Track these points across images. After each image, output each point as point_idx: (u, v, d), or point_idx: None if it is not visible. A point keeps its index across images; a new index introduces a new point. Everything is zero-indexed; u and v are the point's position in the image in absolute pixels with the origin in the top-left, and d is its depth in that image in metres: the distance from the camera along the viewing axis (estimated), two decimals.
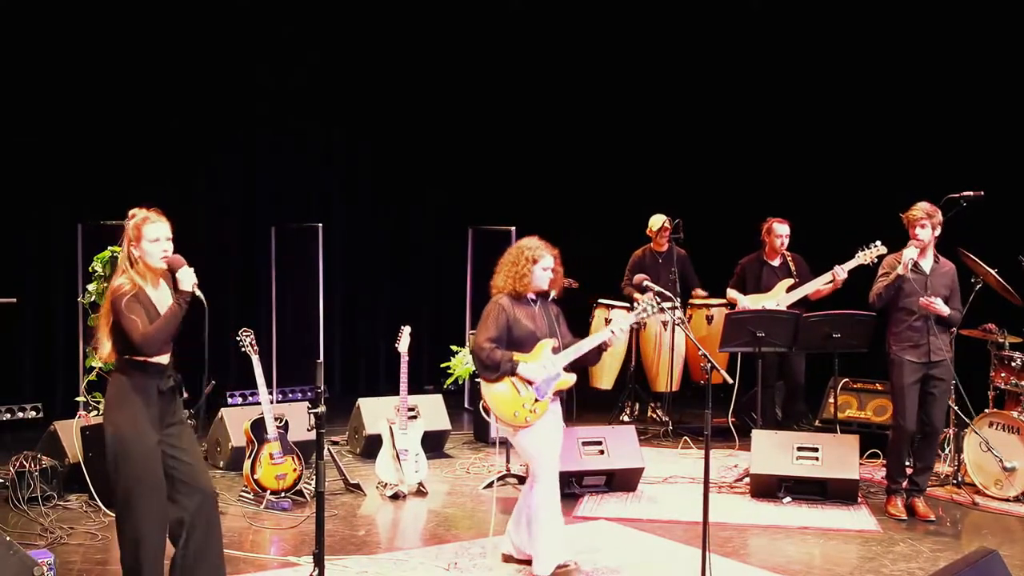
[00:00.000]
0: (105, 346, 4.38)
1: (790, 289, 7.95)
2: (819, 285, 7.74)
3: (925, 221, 6.33)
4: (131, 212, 4.43)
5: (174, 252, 4.41)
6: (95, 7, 8.82)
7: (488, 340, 5.18)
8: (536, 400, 5.18)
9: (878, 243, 7.34)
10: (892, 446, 6.58)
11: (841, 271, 7.55)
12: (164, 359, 4.41)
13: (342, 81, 10.36)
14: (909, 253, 6.35)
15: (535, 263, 5.28)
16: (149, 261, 4.35)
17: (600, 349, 5.37)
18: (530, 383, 5.18)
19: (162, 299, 4.40)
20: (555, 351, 5.28)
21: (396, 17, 10.45)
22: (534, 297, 5.36)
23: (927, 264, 6.45)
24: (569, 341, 5.38)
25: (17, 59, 8.58)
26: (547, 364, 5.23)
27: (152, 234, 4.34)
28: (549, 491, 5.23)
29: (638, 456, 6.97)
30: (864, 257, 7.38)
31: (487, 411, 5.28)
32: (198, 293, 4.35)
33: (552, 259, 5.34)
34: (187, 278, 4.34)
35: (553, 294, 5.51)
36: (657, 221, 9.00)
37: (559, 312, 5.50)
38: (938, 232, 6.41)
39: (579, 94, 11.00)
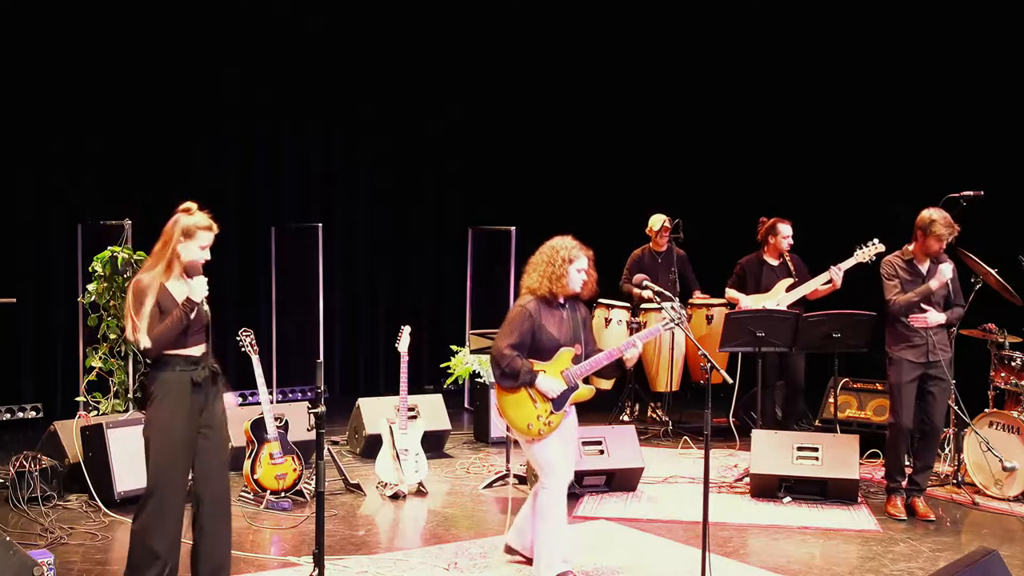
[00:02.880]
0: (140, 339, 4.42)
1: (789, 289, 7.94)
2: (817, 285, 7.72)
3: (951, 237, 6.28)
4: (187, 206, 4.49)
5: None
6: (95, 8, 8.83)
7: (509, 347, 4.94)
8: (552, 412, 5.00)
9: (875, 241, 7.33)
10: (890, 444, 6.57)
11: (838, 271, 7.53)
12: (195, 350, 4.47)
13: (342, 81, 10.37)
14: (947, 272, 6.31)
15: (571, 263, 5.03)
16: (186, 259, 4.43)
17: (618, 365, 5.13)
18: (548, 398, 4.99)
19: (179, 290, 4.46)
20: (576, 360, 5.08)
21: (396, 17, 10.46)
22: (563, 301, 5.13)
23: (924, 266, 6.43)
24: (592, 348, 5.20)
25: (17, 59, 8.59)
26: (567, 376, 5.03)
27: (204, 240, 4.45)
28: (556, 499, 5.06)
29: (638, 456, 6.96)
30: (862, 255, 7.37)
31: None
32: (205, 307, 4.43)
33: (586, 260, 5.09)
34: (199, 288, 4.41)
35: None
36: (657, 221, 8.99)
37: (587, 315, 5.26)
38: None
39: (579, 94, 11.01)
